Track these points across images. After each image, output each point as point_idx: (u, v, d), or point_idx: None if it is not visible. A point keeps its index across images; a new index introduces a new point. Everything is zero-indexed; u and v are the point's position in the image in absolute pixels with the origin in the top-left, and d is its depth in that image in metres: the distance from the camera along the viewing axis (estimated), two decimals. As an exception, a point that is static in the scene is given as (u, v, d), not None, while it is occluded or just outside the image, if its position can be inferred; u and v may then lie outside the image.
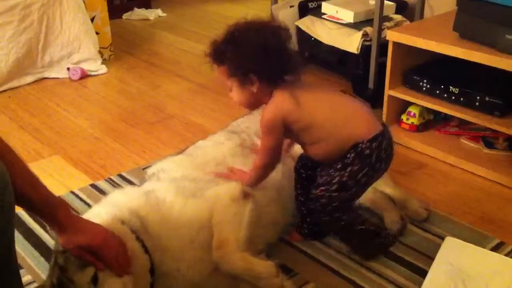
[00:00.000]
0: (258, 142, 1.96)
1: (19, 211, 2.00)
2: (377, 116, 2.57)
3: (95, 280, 1.47)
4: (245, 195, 1.68)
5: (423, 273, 1.70)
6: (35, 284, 1.71)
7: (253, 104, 1.73)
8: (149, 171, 1.90)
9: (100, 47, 3.55)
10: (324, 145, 1.69)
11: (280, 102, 1.65)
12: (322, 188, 1.69)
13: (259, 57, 1.62)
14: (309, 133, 1.68)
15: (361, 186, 1.71)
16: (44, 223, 1.49)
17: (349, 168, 1.66)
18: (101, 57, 3.56)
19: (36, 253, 1.87)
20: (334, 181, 1.68)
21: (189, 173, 1.79)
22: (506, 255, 1.82)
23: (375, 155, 1.66)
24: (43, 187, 1.41)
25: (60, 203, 1.45)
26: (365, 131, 1.66)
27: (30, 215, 2.02)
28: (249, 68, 1.63)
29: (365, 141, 1.65)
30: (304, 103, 1.65)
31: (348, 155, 1.66)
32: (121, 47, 3.89)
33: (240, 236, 1.60)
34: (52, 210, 1.42)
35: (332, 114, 1.68)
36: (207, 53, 1.69)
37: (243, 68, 1.63)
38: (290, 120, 1.66)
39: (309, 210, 1.81)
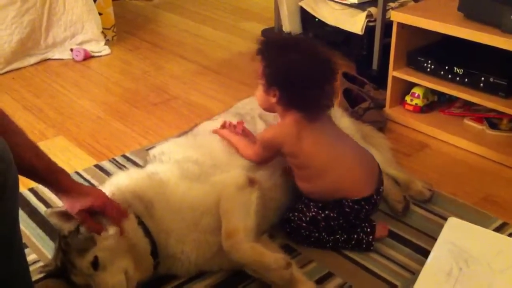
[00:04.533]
0: (261, 124, 1.97)
1: (24, 190, 2.02)
2: (381, 99, 2.60)
3: (95, 264, 1.50)
4: (251, 183, 1.68)
5: (426, 253, 1.70)
6: (40, 263, 1.72)
7: (267, 108, 1.79)
8: (151, 153, 1.90)
9: (103, 28, 3.53)
10: (311, 185, 1.75)
11: (283, 130, 1.72)
12: (296, 213, 1.76)
13: (288, 80, 1.67)
14: (301, 170, 1.75)
15: (330, 228, 1.75)
16: (49, 191, 1.53)
17: (327, 212, 1.73)
18: (104, 38, 3.54)
19: (41, 232, 1.88)
20: (308, 214, 1.74)
21: (190, 154, 1.79)
22: (509, 235, 1.82)
23: (353, 214, 1.73)
24: (45, 155, 1.45)
25: (61, 169, 1.49)
26: (353, 192, 1.72)
27: (35, 195, 2.04)
28: (276, 82, 1.69)
29: (349, 200, 1.71)
30: (305, 143, 1.70)
31: (331, 202, 1.72)
32: (124, 28, 3.88)
33: (248, 225, 1.60)
34: (55, 177, 1.46)
35: (329, 163, 1.71)
36: (259, 42, 1.75)
37: (272, 78, 1.69)
38: (285, 151, 1.72)
39: None
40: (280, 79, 1.68)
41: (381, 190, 1.78)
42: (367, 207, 1.73)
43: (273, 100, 1.71)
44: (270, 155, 1.78)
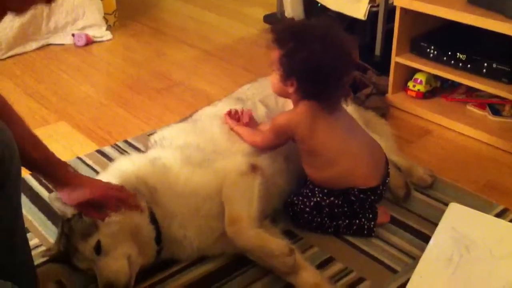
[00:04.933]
0: (262, 110, 1.96)
1: (26, 175, 2.03)
2: (384, 85, 2.59)
3: (98, 248, 1.50)
4: (253, 169, 1.68)
5: (426, 239, 1.71)
6: (42, 248, 1.73)
7: (281, 94, 1.78)
8: (152, 138, 1.90)
9: (105, 13, 3.52)
10: (319, 173, 1.75)
11: (296, 118, 1.70)
12: (300, 198, 1.76)
13: (309, 72, 1.64)
14: (310, 157, 1.75)
15: (333, 214, 1.75)
16: (46, 182, 1.53)
17: (331, 198, 1.73)
18: (106, 23, 3.53)
19: (43, 217, 1.88)
20: (313, 199, 1.74)
21: (191, 140, 1.79)
22: (510, 221, 1.82)
23: (358, 203, 1.73)
24: (44, 146, 1.44)
25: (59, 161, 1.48)
26: (360, 182, 1.72)
27: (37, 179, 2.04)
28: (296, 73, 1.66)
29: (355, 189, 1.71)
30: (318, 132, 1.69)
31: (336, 189, 1.72)
32: (125, 14, 3.85)
33: (252, 211, 1.61)
34: (53, 168, 1.46)
35: (339, 155, 1.71)
36: (273, 30, 1.72)
37: (291, 69, 1.66)
38: (297, 139, 1.72)
39: None
40: (300, 71, 1.65)
41: (387, 181, 1.79)
42: (372, 197, 1.74)
43: (291, 90, 1.69)
44: (280, 142, 1.77)
